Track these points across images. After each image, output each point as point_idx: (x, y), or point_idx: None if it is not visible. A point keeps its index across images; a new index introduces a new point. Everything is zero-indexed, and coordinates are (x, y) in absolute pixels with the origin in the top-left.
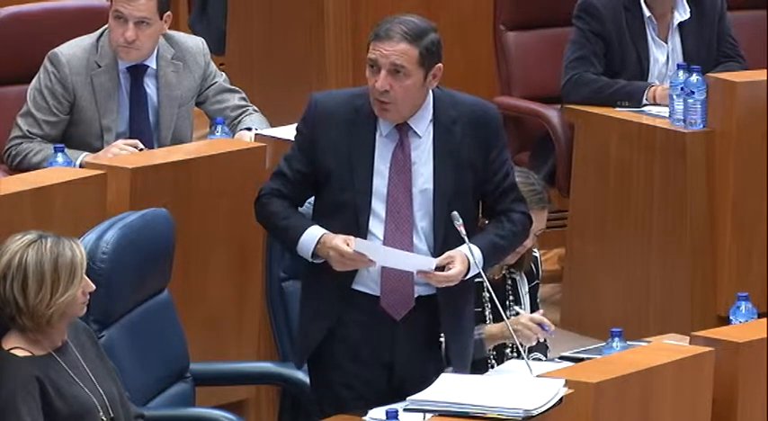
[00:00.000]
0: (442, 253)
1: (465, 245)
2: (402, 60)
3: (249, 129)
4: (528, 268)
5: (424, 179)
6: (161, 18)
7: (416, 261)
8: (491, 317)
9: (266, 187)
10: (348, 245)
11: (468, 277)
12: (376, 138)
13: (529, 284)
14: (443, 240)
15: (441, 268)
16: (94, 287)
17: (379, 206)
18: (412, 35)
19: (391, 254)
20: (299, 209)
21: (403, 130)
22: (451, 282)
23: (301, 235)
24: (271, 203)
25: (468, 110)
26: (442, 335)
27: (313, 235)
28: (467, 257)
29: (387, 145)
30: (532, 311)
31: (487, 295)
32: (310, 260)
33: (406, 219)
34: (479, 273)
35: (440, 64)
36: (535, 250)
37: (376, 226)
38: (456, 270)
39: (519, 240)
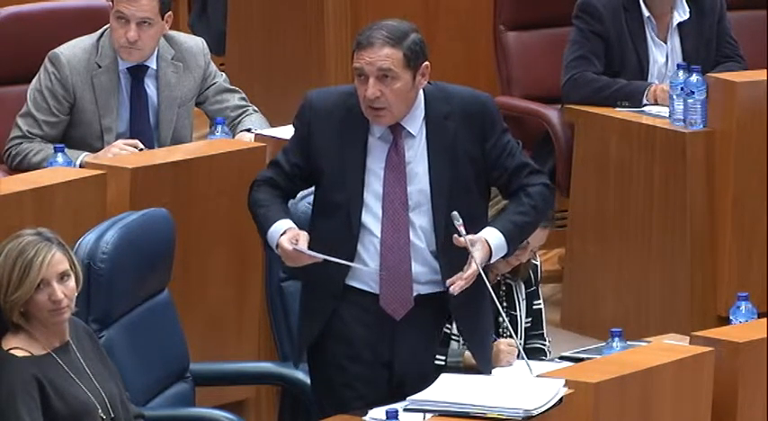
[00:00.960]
0: (445, 251)
1: (482, 232)
2: (388, 64)
3: (249, 130)
4: (525, 276)
5: (419, 178)
6: (162, 18)
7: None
8: None
9: (260, 175)
10: (294, 242)
11: (492, 261)
12: (368, 138)
13: (525, 290)
14: (445, 238)
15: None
16: (62, 297)
17: (376, 205)
18: (394, 38)
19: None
20: (293, 200)
21: (396, 131)
22: (476, 273)
23: (270, 226)
24: (259, 190)
25: (461, 102)
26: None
27: (278, 228)
28: (486, 243)
29: (381, 146)
30: (527, 316)
31: None
32: (276, 251)
33: (402, 219)
34: (480, 274)
35: (426, 62)
36: (537, 259)
37: (374, 225)
38: (479, 257)
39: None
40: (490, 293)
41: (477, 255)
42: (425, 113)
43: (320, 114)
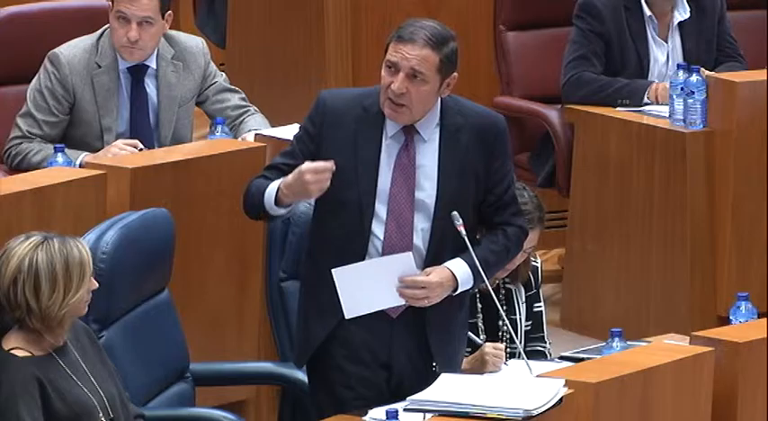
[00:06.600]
0: (436, 254)
1: (453, 261)
2: (422, 66)
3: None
4: (525, 278)
5: (427, 183)
6: (163, 17)
7: (395, 262)
8: (483, 327)
9: (254, 178)
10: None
11: (456, 293)
12: (383, 138)
13: (526, 294)
14: (440, 243)
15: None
16: (98, 285)
17: (380, 207)
18: (435, 41)
19: (369, 266)
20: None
21: (409, 133)
22: (428, 290)
23: (266, 190)
24: (252, 185)
25: (475, 118)
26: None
27: (273, 185)
28: (452, 274)
29: (392, 146)
30: (527, 319)
31: (480, 305)
32: (275, 207)
33: (406, 222)
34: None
35: (455, 73)
36: (537, 260)
37: (377, 226)
38: (430, 278)
39: (512, 255)
40: (491, 296)
41: (434, 278)
42: (441, 122)
43: (334, 113)
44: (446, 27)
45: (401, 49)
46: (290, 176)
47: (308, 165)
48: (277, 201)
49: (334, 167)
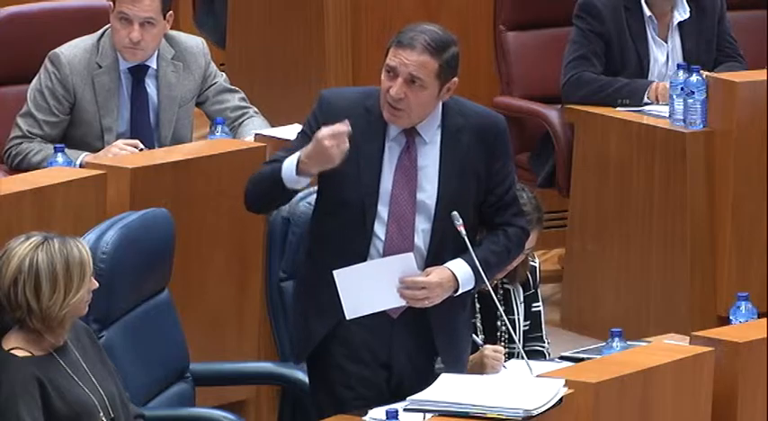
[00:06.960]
0: (437, 254)
1: (454, 262)
2: (420, 72)
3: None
4: (524, 278)
5: (428, 184)
6: (164, 18)
7: (396, 263)
8: (482, 327)
9: (257, 171)
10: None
11: (457, 294)
12: (384, 140)
13: (524, 294)
14: (440, 243)
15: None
16: (98, 284)
17: (381, 208)
18: (435, 47)
19: (370, 267)
20: (293, 200)
21: (410, 135)
22: (428, 291)
23: (281, 167)
24: (259, 172)
25: (476, 119)
26: (438, 357)
27: (291, 158)
28: (452, 275)
29: (393, 148)
30: (525, 320)
31: (478, 305)
32: (296, 178)
33: (408, 224)
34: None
35: (455, 78)
36: (535, 260)
37: (378, 227)
38: (430, 278)
39: (513, 255)
40: (491, 296)
41: (433, 278)
42: (442, 124)
43: (336, 113)
44: (447, 31)
45: (400, 54)
46: (309, 147)
47: (323, 131)
48: (298, 172)
49: (349, 128)
